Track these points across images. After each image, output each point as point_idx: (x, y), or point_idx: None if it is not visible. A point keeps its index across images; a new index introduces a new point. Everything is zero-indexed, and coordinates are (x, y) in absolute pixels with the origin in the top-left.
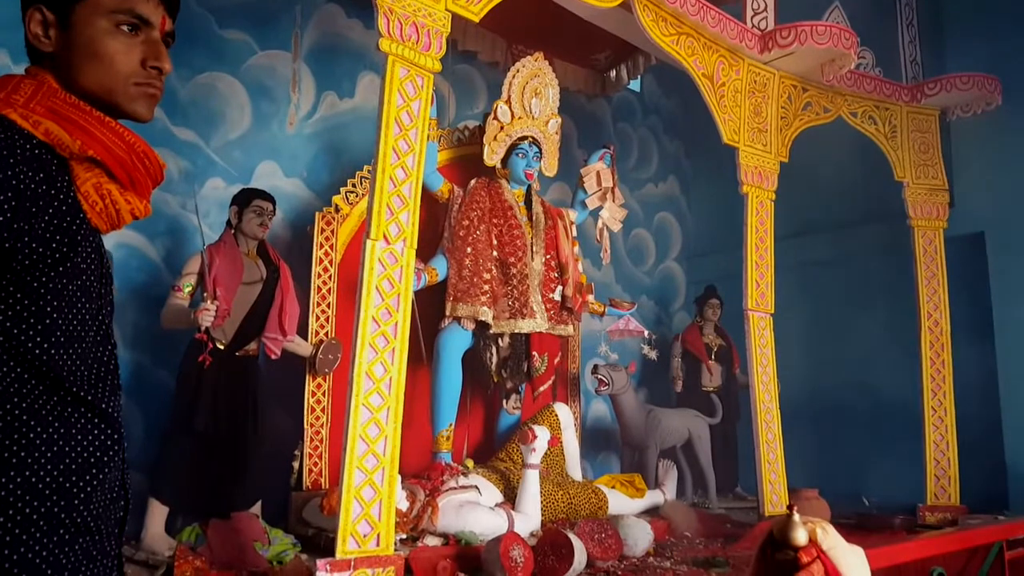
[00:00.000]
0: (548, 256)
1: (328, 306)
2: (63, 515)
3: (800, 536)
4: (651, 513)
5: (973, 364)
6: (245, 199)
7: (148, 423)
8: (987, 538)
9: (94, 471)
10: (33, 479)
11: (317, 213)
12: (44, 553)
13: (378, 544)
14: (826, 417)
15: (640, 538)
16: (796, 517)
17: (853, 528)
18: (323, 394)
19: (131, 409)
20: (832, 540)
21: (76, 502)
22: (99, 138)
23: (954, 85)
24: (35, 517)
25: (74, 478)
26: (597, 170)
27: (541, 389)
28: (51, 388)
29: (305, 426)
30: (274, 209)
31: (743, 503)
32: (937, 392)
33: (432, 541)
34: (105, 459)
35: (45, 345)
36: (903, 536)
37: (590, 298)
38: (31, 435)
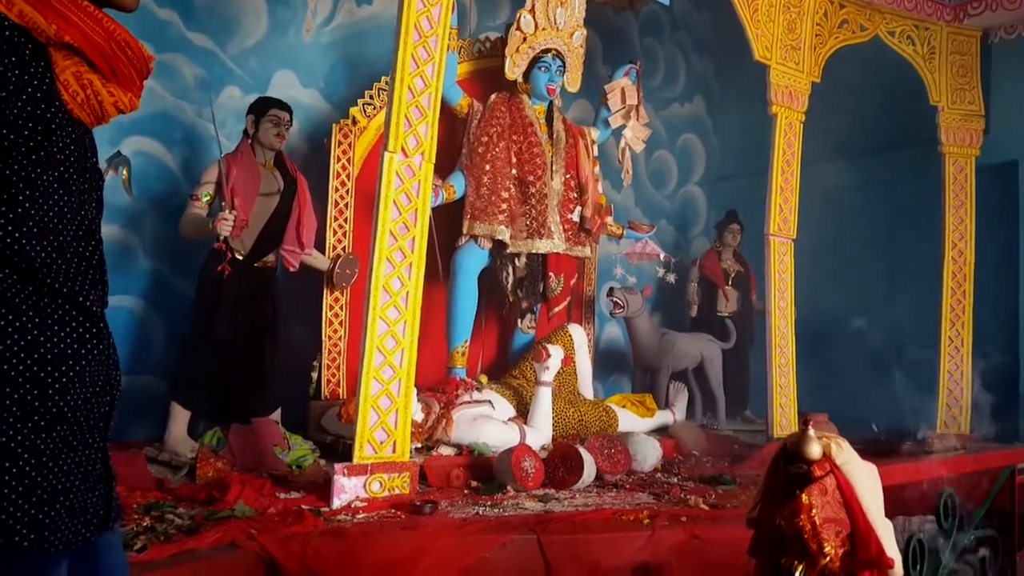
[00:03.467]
0: (568, 176)
1: (345, 220)
2: (37, 403)
3: (814, 450)
4: (660, 432)
5: (994, 296)
6: (262, 108)
7: (169, 331)
8: (999, 462)
9: (71, 363)
10: (5, 366)
11: (334, 125)
12: (19, 438)
13: (394, 451)
14: (841, 345)
15: (648, 454)
16: (811, 432)
17: (861, 453)
18: (340, 308)
19: (152, 317)
20: (846, 456)
21: (51, 391)
22: (75, 23)
23: (1000, 3)
24: (7, 403)
25: (49, 368)
26: (622, 87)
27: (556, 310)
28: (24, 279)
29: (323, 338)
30: (291, 119)
31: (751, 426)
32: (956, 322)
33: (446, 451)
34: (83, 352)
35: (16, 235)
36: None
37: (609, 220)
38: (2, 323)
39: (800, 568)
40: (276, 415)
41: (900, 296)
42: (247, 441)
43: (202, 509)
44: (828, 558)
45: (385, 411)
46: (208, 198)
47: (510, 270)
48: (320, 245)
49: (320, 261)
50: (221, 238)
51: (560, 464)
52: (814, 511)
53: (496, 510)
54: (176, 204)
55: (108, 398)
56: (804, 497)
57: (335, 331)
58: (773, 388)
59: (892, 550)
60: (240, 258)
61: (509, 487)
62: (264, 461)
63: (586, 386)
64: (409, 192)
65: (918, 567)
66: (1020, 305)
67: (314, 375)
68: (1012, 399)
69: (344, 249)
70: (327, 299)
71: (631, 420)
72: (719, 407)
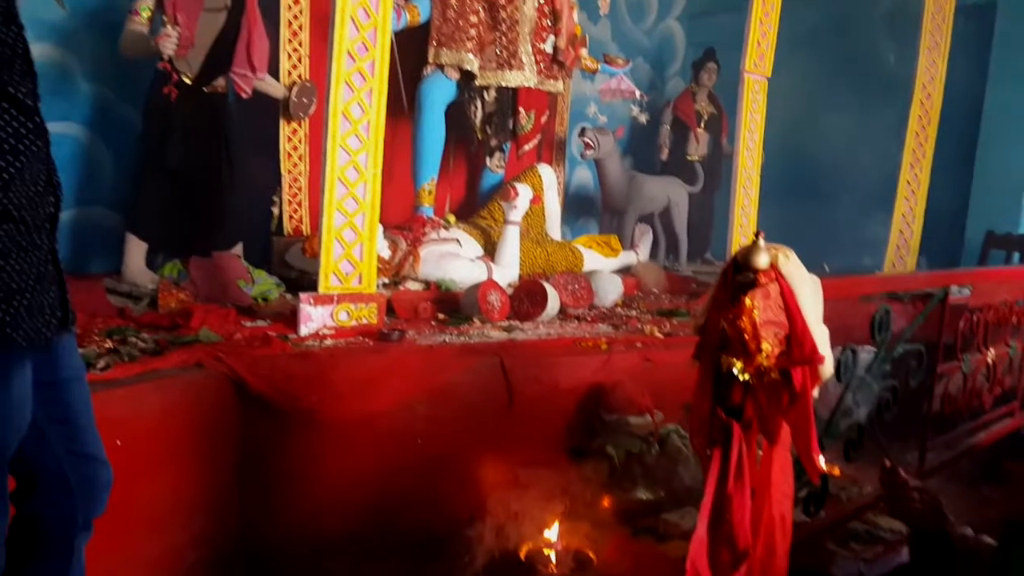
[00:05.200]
0: (541, 1)
1: (300, 44)
2: None
3: (762, 259)
4: (623, 272)
5: (955, 141)
6: None
7: (118, 160)
8: (934, 282)
9: (9, 158)
10: None
11: None
12: None
13: (360, 283)
14: (804, 187)
15: (610, 290)
16: (761, 242)
17: None
18: (299, 140)
19: (99, 146)
20: (792, 265)
21: None
22: None
23: None
24: None
25: None
26: None
27: (526, 148)
28: None
29: (282, 172)
30: None
31: (711, 268)
32: (915, 166)
33: (413, 286)
34: (21, 147)
35: None
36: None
37: (583, 52)
38: None
39: (738, 366)
40: (238, 250)
41: (866, 139)
42: (208, 274)
43: (166, 334)
44: (764, 354)
45: (350, 243)
46: (148, 13)
47: (478, 104)
48: (274, 72)
49: (275, 88)
50: (165, 57)
51: (525, 298)
52: (756, 312)
53: (462, 338)
54: (115, 19)
55: (52, 198)
56: (748, 300)
57: (295, 165)
58: (735, 228)
59: (825, 350)
60: (188, 82)
61: (475, 319)
62: (228, 294)
63: (554, 227)
64: (367, 6)
65: (848, 373)
66: (977, 152)
67: (275, 210)
68: (957, 244)
69: (300, 76)
70: (284, 131)
71: (596, 260)
72: (681, 249)
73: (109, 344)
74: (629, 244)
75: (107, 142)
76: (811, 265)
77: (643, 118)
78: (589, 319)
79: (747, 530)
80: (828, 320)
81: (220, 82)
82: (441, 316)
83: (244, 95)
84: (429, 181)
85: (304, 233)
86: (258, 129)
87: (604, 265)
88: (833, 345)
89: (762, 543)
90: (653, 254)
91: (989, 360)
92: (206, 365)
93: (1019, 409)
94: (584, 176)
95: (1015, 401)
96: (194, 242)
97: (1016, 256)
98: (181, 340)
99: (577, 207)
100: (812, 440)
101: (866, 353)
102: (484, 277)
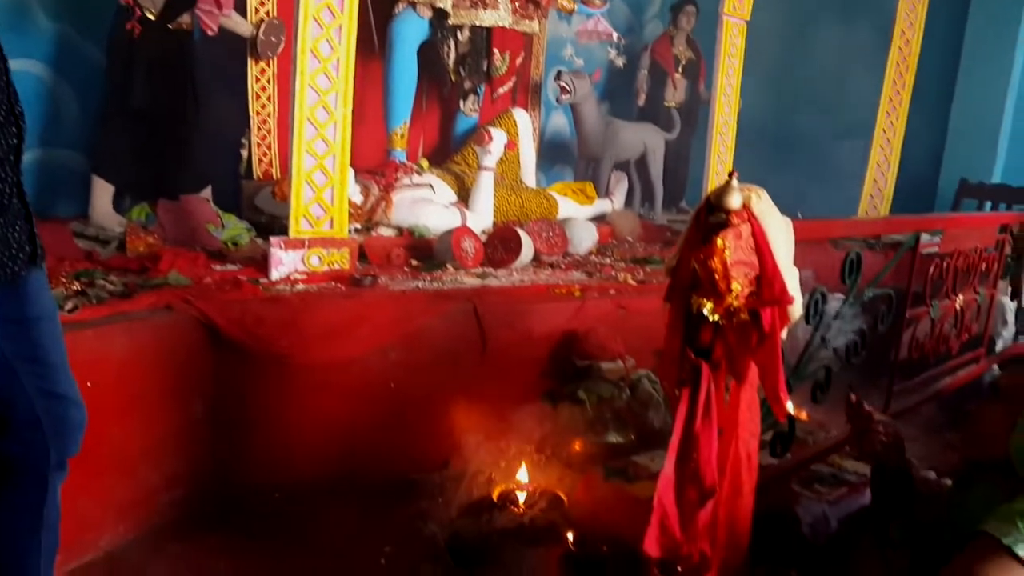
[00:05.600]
0: None
1: None
2: None
3: (734, 200)
4: (598, 220)
5: (933, 89)
6: None
7: (82, 101)
8: (905, 227)
9: None
10: None
11: None
12: None
13: (331, 227)
14: (781, 136)
15: (585, 238)
16: (734, 182)
17: None
18: (268, 80)
19: (62, 86)
20: (764, 206)
21: None
22: None
23: None
24: None
25: None
26: None
27: (501, 91)
28: None
29: (251, 113)
30: None
31: (685, 216)
32: (891, 114)
33: (386, 232)
34: None
35: None
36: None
37: None
38: None
39: (708, 307)
40: (206, 193)
41: (845, 87)
42: (177, 217)
43: (135, 277)
44: (734, 295)
45: (320, 186)
46: None
47: (452, 44)
48: (241, 9)
49: (241, 26)
50: None
51: (499, 245)
52: (727, 253)
53: (435, 285)
54: None
55: (14, 129)
56: (719, 240)
57: (263, 106)
58: (710, 176)
59: (794, 291)
60: (151, 18)
61: (449, 266)
62: (197, 237)
63: (529, 174)
64: None
65: (818, 316)
66: (953, 102)
67: (244, 153)
68: (930, 193)
69: (267, 14)
70: (252, 70)
71: (571, 207)
72: (656, 197)
73: (77, 286)
74: (604, 192)
75: (71, 82)
76: (785, 214)
77: (620, 61)
78: (563, 266)
79: (714, 468)
80: (800, 265)
81: (185, 19)
82: (414, 262)
83: (210, 32)
84: (401, 124)
85: (274, 177)
86: (225, 69)
87: (579, 213)
88: (804, 289)
89: (728, 481)
90: (628, 202)
91: (957, 306)
92: (176, 308)
93: (985, 356)
94: (560, 122)
95: (981, 348)
96: (161, 185)
97: (988, 205)
98: (150, 283)
99: (552, 154)
100: (779, 380)
101: (836, 300)
102: (458, 223)
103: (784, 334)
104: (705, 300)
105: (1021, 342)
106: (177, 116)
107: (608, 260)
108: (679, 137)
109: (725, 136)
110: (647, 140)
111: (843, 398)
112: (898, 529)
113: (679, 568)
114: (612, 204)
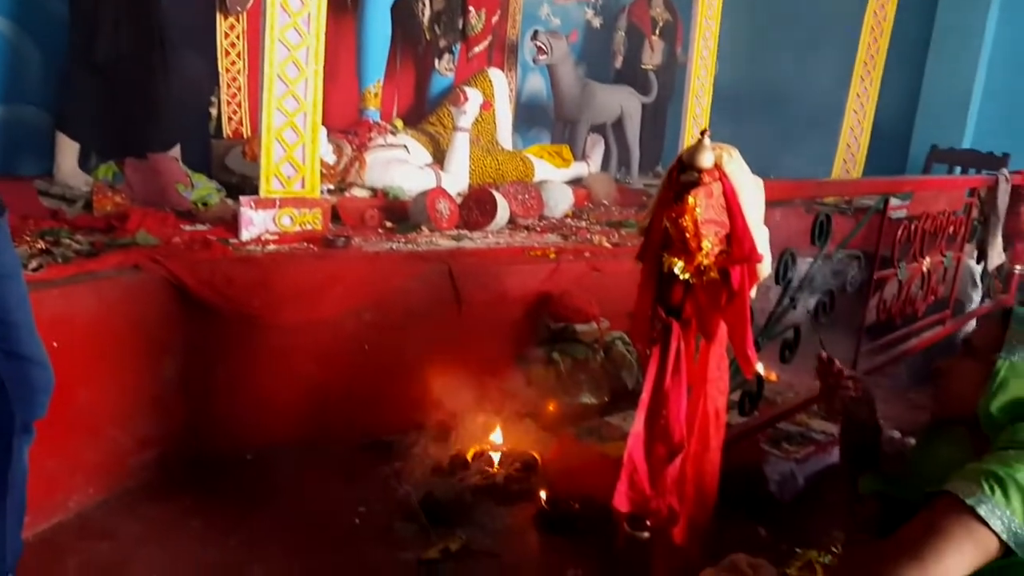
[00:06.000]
0: None
1: None
2: None
3: (706, 158)
4: (574, 183)
5: (906, 56)
6: None
7: (46, 56)
8: (875, 189)
9: None
10: None
11: None
12: None
13: (303, 187)
14: (756, 100)
15: (560, 201)
16: (706, 141)
17: None
18: (237, 36)
19: (25, 41)
20: (735, 165)
21: None
22: None
23: None
24: None
25: None
26: None
27: (476, 50)
28: None
29: (220, 70)
30: None
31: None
32: (865, 78)
33: (360, 193)
34: None
35: None
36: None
37: None
38: None
39: (679, 265)
40: (175, 152)
41: (820, 51)
42: (145, 176)
43: (101, 237)
44: (704, 253)
45: (291, 145)
46: None
47: (426, 1)
48: None
49: None
50: None
51: (474, 206)
52: (698, 211)
53: (410, 246)
54: None
55: None
56: (690, 199)
57: (233, 63)
58: (686, 139)
59: (764, 250)
60: None
61: (423, 228)
62: (166, 197)
63: (505, 136)
64: None
65: (788, 276)
66: (926, 65)
67: (213, 111)
68: (903, 156)
69: None
70: (221, 26)
71: (547, 170)
72: (633, 161)
73: (42, 245)
74: (581, 155)
75: (33, 36)
76: (758, 175)
77: (597, 22)
78: (538, 229)
79: (682, 425)
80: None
81: None
82: (388, 224)
83: None
84: (375, 83)
85: (244, 135)
86: (194, 24)
87: (555, 175)
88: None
89: (696, 437)
90: (605, 165)
91: (924, 269)
92: (144, 268)
93: (951, 317)
94: (536, 84)
95: (947, 310)
96: (129, 143)
97: (958, 170)
98: (117, 242)
99: (529, 116)
100: (747, 338)
101: (807, 264)
102: (432, 185)
103: (753, 293)
104: (676, 259)
105: (987, 304)
106: (144, 72)
107: (584, 223)
108: (656, 100)
109: (701, 99)
110: (624, 103)
111: (812, 358)
112: (866, 483)
113: (648, 522)
114: (588, 167)
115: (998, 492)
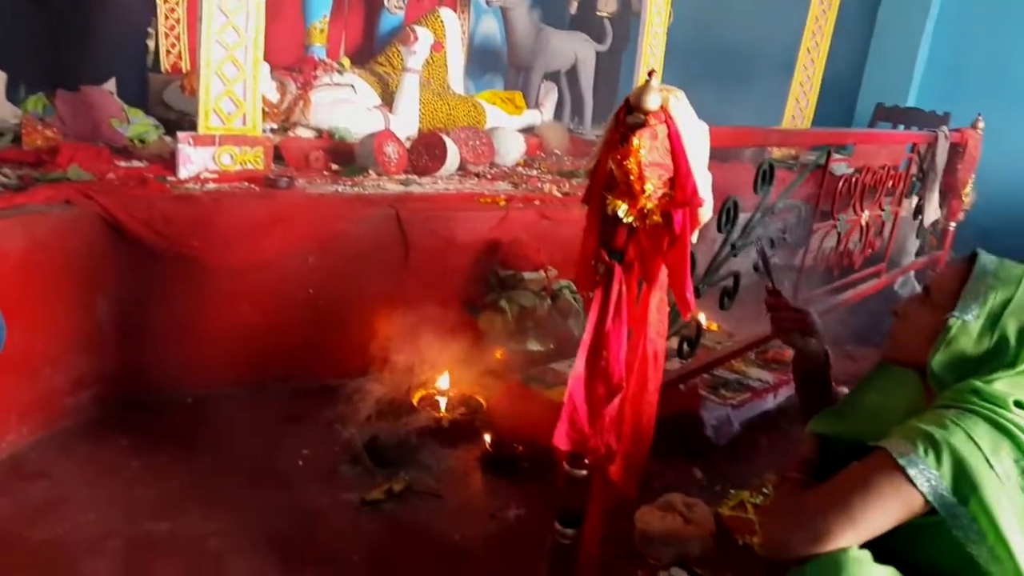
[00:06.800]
0: None
1: None
2: None
3: (652, 100)
4: (527, 132)
5: (856, 15)
6: None
7: None
8: (818, 139)
9: None
10: None
11: None
12: None
13: (244, 124)
14: (709, 52)
15: (512, 148)
16: (653, 82)
17: None
18: None
19: None
20: (682, 108)
21: None
22: None
23: None
24: None
25: None
26: None
27: None
28: None
29: (158, 1)
30: None
31: None
32: (816, 34)
33: (304, 133)
34: None
35: None
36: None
37: None
38: None
39: (623, 207)
40: (110, 86)
41: (774, 4)
42: (78, 110)
43: (31, 171)
44: (648, 195)
45: (231, 79)
46: None
47: None
48: None
49: None
50: None
51: (424, 151)
52: (643, 152)
53: (356, 189)
54: None
55: None
56: (635, 140)
57: None
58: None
59: (706, 195)
60: None
61: (371, 171)
62: (100, 132)
63: (456, 79)
64: None
65: (729, 224)
66: (875, 26)
67: (151, 44)
68: (848, 114)
69: None
70: None
71: (499, 117)
72: (586, 111)
73: None
74: (534, 103)
75: None
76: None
77: None
78: (489, 176)
79: (622, 366)
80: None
81: None
82: (334, 166)
83: None
84: (321, 18)
85: (183, 70)
86: None
87: (507, 123)
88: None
89: (635, 378)
90: (558, 114)
91: (863, 222)
92: (76, 203)
93: (886, 270)
94: (490, 27)
95: (883, 263)
96: (60, 74)
97: (901, 127)
98: (48, 177)
99: (482, 60)
100: (686, 281)
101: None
102: (381, 127)
103: (695, 238)
104: (620, 201)
105: (922, 259)
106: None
107: (535, 172)
108: (610, 49)
109: (655, 49)
110: (578, 50)
111: (752, 308)
112: (813, 424)
113: (586, 460)
114: (541, 116)
115: (931, 455)
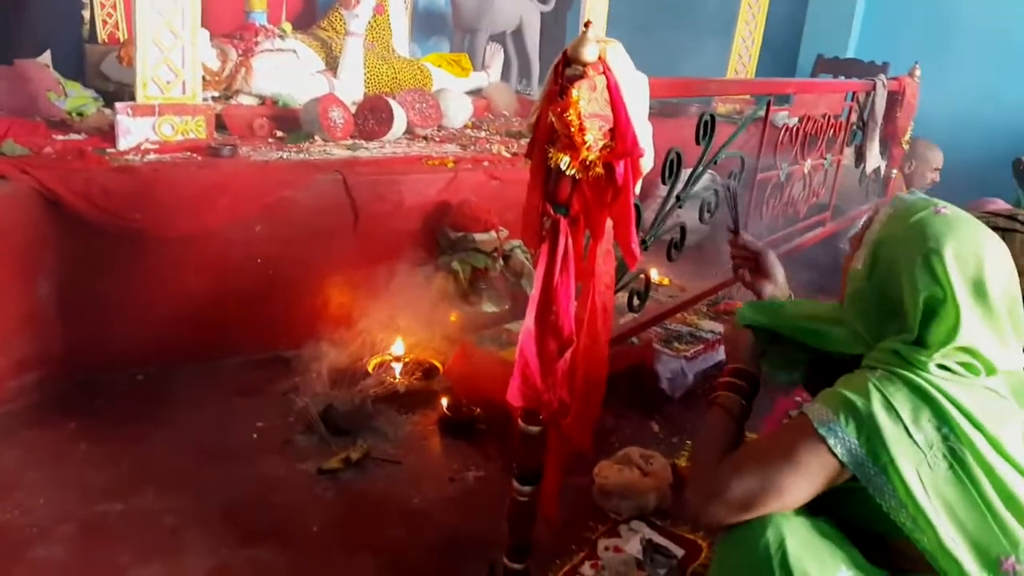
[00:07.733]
0: None
1: None
2: None
3: (589, 51)
4: (474, 94)
5: None
6: None
7: None
8: (759, 89)
9: None
10: None
11: None
12: None
13: (183, 93)
14: (653, 10)
15: (460, 111)
16: (590, 34)
17: (654, 117)
18: None
19: None
20: (619, 59)
21: None
22: None
23: None
24: None
25: None
26: None
27: None
28: None
29: None
30: None
31: None
32: None
33: (247, 101)
34: None
35: None
36: None
37: None
38: None
39: (565, 160)
40: (45, 58)
41: None
42: (11, 84)
43: None
44: (588, 146)
45: (168, 47)
46: None
47: None
48: None
49: None
50: None
51: (370, 115)
52: (582, 104)
53: (302, 156)
54: None
55: None
56: (574, 92)
57: None
58: None
59: (646, 145)
60: None
61: (316, 137)
62: (36, 107)
63: (401, 43)
64: None
65: (673, 176)
66: None
67: (86, 14)
68: (791, 67)
69: None
70: None
71: (446, 79)
72: (533, 72)
73: None
74: (480, 65)
75: None
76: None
77: None
78: (437, 139)
79: (571, 320)
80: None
81: None
82: (279, 133)
83: None
84: None
85: (120, 40)
86: None
87: (454, 85)
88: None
89: (586, 332)
90: (505, 76)
91: (805, 171)
92: (11, 179)
93: (831, 219)
94: None
95: (827, 212)
96: None
97: (842, 78)
98: None
99: (427, 24)
100: (631, 232)
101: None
102: (325, 92)
103: (638, 189)
104: (562, 154)
105: (864, 208)
106: None
107: (483, 134)
108: (555, 9)
109: (598, 6)
110: (523, 12)
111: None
112: (743, 312)
113: (541, 416)
114: (488, 78)
115: (852, 423)
